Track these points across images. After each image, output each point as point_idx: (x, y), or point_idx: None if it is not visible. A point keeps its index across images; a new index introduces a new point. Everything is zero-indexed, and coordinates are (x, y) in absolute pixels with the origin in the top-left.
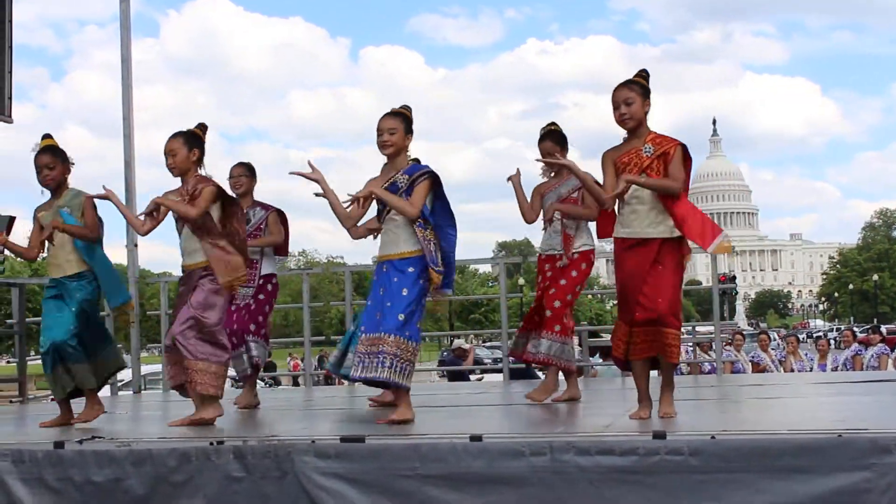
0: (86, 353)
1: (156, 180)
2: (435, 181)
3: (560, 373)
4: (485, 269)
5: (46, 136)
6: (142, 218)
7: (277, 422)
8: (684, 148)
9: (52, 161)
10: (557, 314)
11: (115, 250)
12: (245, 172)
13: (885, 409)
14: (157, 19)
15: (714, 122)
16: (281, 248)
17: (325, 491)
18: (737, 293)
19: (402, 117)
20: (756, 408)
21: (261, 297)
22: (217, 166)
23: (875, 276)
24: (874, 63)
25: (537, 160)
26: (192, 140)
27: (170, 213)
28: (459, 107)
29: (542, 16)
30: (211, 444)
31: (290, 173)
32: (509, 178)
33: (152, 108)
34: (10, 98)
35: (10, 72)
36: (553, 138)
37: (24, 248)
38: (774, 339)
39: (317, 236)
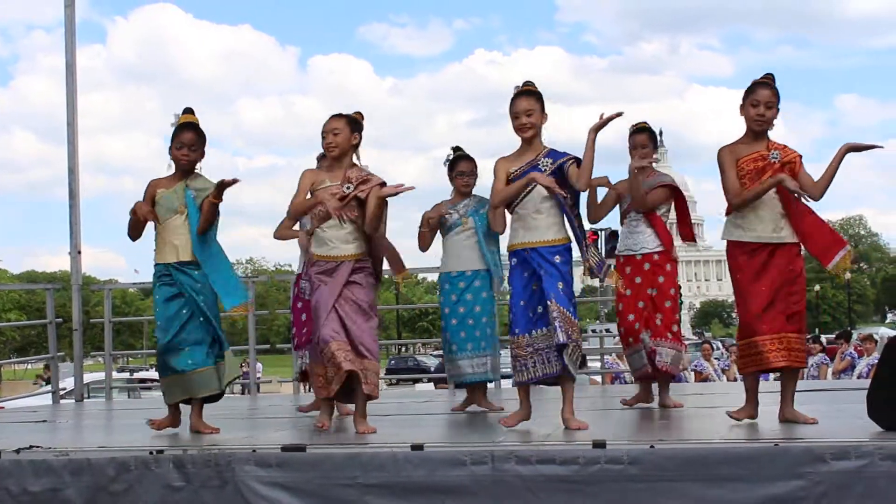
0: (208, 353)
1: (102, 187)
2: (578, 165)
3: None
4: (433, 277)
5: (190, 111)
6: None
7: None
8: (801, 157)
9: (196, 142)
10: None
11: (59, 257)
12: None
13: (821, 419)
14: (104, 25)
15: (660, 133)
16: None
17: (265, 500)
18: (682, 303)
19: (535, 97)
20: (696, 417)
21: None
22: (163, 173)
23: (817, 287)
24: (817, 77)
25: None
26: (356, 124)
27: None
28: (408, 115)
29: (491, 27)
30: (150, 453)
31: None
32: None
33: (99, 114)
34: None
35: None
36: (646, 132)
37: (142, 224)
38: (718, 349)
39: (264, 244)
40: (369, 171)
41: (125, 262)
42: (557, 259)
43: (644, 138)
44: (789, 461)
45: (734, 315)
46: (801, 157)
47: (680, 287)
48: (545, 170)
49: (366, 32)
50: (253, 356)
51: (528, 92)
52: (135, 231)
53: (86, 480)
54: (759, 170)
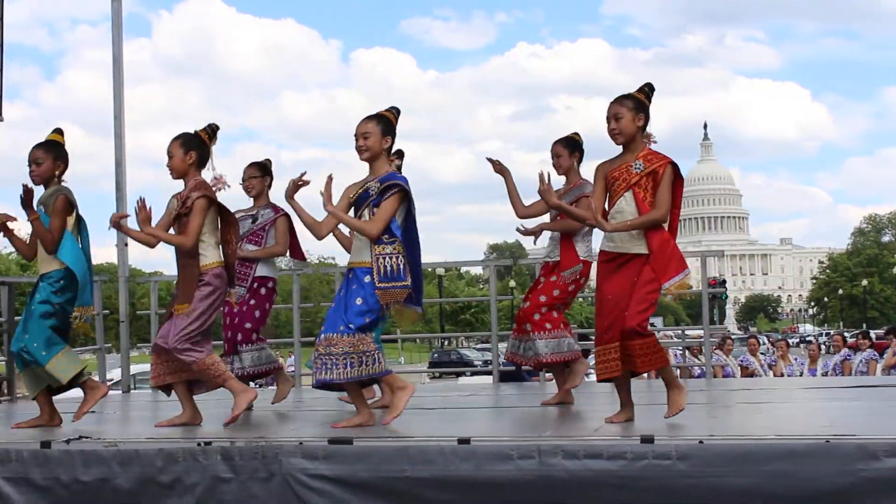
0: (33, 356)
1: (149, 180)
2: (405, 196)
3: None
4: (475, 270)
5: (55, 131)
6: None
7: (265, 423)
8: (674, 167)
9: (41, 156)
10: (532, 309)
11: (106, 249)
12: (255, 173)
13: (872, 415)
14: (149, 19)
15: (705, 126)
16: (295, 252)
17: (313, 492)
18: (727, 297)
19: (377, 119)
20: (745, 412)
21: (252, 301)
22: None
23: (864, 282)
24: (864, 69)
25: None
26: (191, 142)
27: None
28: (451, 109)
29: (533, 20)
30: (198, 444)
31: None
32: (496, 168)
33: (144, 108)
34: (0, 97)
35: (1, 70)
36: (562, 141)
37: (23, 244)
38: (764, 344)
39: (309, 237)
40: (203, 183)
41: (171, 255)
42: (367, 279)
43: (558, 147)
44: (841, 458)
45: (780, 309)
46: (668, 165)
47: (725, 282)
48: (372, 193)
49: (408, 26)
50: (298, 348)
51: (372, 116)
52: (21, 254)
53: (135, 471)
54: (622, 179)
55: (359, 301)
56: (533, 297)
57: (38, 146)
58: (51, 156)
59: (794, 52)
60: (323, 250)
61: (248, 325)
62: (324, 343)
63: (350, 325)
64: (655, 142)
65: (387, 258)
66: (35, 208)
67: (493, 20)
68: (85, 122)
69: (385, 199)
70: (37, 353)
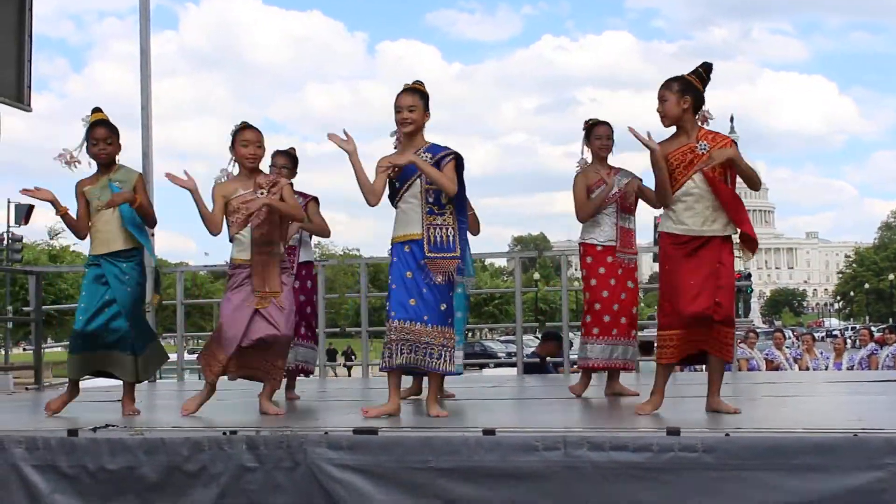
0: (132, 343)
1: (173, 171)
2: (460, 163)
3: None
4: (499, 262)
5: (98, 110)
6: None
7: (291, 413)
8: (736, 144)
9: (110, 135)
10: (634, 319)
11: None
12: (289, 164)
13: None
14: (176, 11)
15: (732, 119)
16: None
17: (337, 482)
18: (752, 291)
19: (420, 94)
20: (771, 406)
21: (302, 297)
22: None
23: (891, 276)
24: (892, 62)
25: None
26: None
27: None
28: (475, 101)
29: (559, 12)
30: (224, 433)
31: (328, 135)
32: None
33: (171, 100)
34: (30, 87)
35: (30, 61)
36: (609, 126)
37: (78, 222)
38: (789, 338)
39: (333, 227)
40: (271, 175)
41: (196, 246)
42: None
43: (607, 129)
44: (869, 452)
45: (805, 304)
46: (733, 143)
47: (750, 275)
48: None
49: (434, 18)
50: (322, 339)
51: (413, 89)
52: (75, 231)
53: (160, 459)
54: (688, 161)
55: (440, 279)
56: (632, 298)
57: (105, 125)
58: (116, 136)
59: (822, 46)
60: (347, 242)
61: (303, 323)
62: (397, 329)
63: (440, 316)
64: (712, 118)
65: (437, 228)
66: (112, 184)
67: (518, 13)
68: (111, 113)
69: (445, 165)
70: (136, 340)
